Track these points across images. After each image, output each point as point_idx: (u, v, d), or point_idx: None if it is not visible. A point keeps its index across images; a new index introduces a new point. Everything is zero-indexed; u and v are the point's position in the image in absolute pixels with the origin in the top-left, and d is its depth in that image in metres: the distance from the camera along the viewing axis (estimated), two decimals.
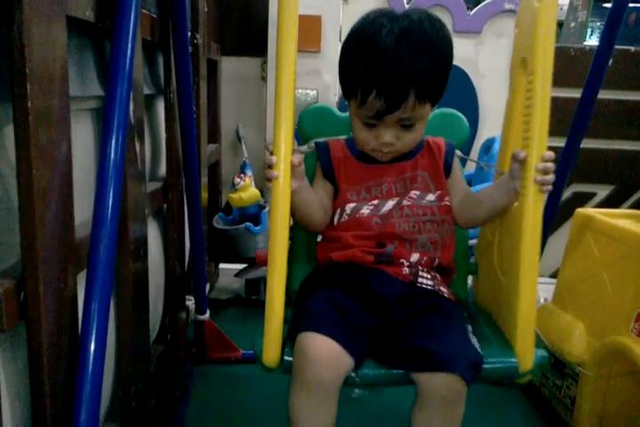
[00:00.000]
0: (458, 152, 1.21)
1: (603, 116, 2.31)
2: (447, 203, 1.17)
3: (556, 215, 1.59)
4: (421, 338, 0.96)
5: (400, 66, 1.00)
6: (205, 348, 1.75)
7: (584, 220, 1.52)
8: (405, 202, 1.13)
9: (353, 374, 0.96)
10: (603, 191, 2.49)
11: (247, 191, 2.06)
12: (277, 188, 0.96)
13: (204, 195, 1.80)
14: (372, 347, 1.00)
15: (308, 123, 1.26)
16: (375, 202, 1.14)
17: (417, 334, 0.98)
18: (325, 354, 0.92)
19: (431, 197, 1.15)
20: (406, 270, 1.10)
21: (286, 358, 0.97)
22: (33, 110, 0.63)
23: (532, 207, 1.00)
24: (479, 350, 0.98)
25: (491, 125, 2.43)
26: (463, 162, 1.26)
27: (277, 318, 0.96)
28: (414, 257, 1.12)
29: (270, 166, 0.96)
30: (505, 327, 1.08)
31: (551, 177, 0.98)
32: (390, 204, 1.14)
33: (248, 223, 2.04)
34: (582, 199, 2.46)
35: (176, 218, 1.44)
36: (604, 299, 1.40)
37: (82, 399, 0.71)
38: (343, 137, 1.21)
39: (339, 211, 1.15)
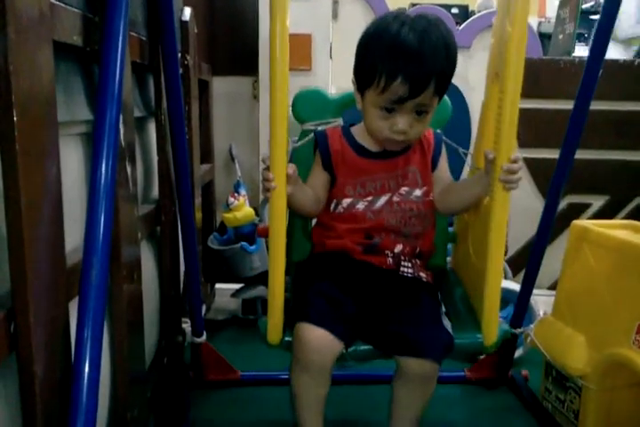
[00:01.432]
0: (445, 139, 1.32)
1: (595, 126, 2.32)
2: (431, 198, 1.28)
3: (552, 227, 1.58)
4: (401, 326, 1.12)
5: (424, 57, 1.09)
6: (203, 371, 1.73)
7: (580, 232, 1.52)
8: (395, 198, 1.24)
9: (345, 352, 1.12)
10: (597, 202, 2.48)
11: (241, 211, 2.04)
12: (275, 198, 1.05)
13: (198, 215, 1.79)
14: (361, 330, 1.15)
15: (302, 105, 1.34)
16: (369, 198, 1.24)
17: (398, 322, 1.13)
18: (319, 342, 1.07)
19: (418, 192, 1.26)
20: (390, 261, 1.24)
21: (287, 338, 1.13)
22: (20, 138, 0.62)
23: (498, 204, 1.09)
24: (450, 332, 1.14)
25: None
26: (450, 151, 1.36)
27: (278, 306, 1.10)
28: (398, 248, 1.24)
29: (268, 180, 1.04)
30: (474, 304, 1.22)
31: (515, 177, 1.06)
32: (383, 199, 1.24)
33: (243, 243, 2.02)
34: (577, 210, 2.46)
35: (169, 240, 1.43)
36: (604, 311, 1.39)
37: None
38: (339, 123, 1.32)
39: (334, 202, 1.25)
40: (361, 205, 1.24)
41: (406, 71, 1.09)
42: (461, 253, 1.37)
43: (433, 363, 1.11)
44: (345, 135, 1.27)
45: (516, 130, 1.07)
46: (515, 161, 1.07)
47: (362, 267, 1.23)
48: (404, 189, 1.26)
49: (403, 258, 1.25)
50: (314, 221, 1.36)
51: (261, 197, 2.14)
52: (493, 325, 1.14)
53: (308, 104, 1.35)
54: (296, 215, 1.35)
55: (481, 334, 1.15)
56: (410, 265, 1.25)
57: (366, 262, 1.23)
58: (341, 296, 1.16)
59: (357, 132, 1.28)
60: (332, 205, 1.26)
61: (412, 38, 1.09)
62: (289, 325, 1.13)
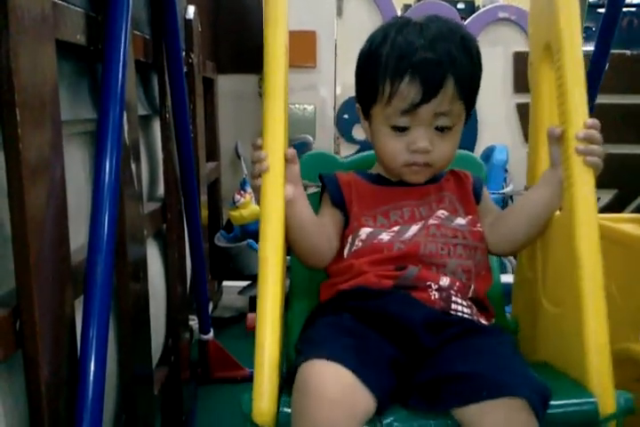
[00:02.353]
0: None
1: (601, 120, 2.31)
2: (480, 229, 0.98)
3: None
4: (465, 363, 0.75)
5: (434, 49, 0.89)
6: (210, 368, 1.73)
7: None
8: (432, 221, 0.95)
9: (378, 422, 0.71)
10: (605, 196, 2.47)
11: (248, 208, 2.05)
12: (268, 184, 0.83)
13: (204, 213, 1.79)
14: (399, 390, 0.76)
15: (307, 170, 1.06)
16: (396, 228, 0.95)
17: (458, 359, 0.76)
18: (336, 388, 0.68)
19: (461, 220, 0.97)
20: (435, 295, 0.88)
21: (283, 409, 0.74)
22: (23, 137, 0.62)
23: (580, 184, 0.83)
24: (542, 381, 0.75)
25: (489, 134, 2.42)
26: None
27: (271, 354, 0.77)
28: (444, 281, 0.90)
29: (259, 161, 0.84)
30: (569, 367, 0.86)
31: (597, 147, 0.84)
32: (415, 228, 0.95)
33: (250, 240, 2.03)
34: None
35: (176, 238, 1.43)
36: (611, 305, 1.37)
37: None
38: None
39: (350, 239, 0.96)
40: (385, 236, 0.94)
41: (414, 66, 0.88)
42: (530, 323, 1.04)
43: (527, 407, 0.69)
44: (357, 173, 1.05)
45: (585, 92, 0.86)
46: (592, 127, 0.84)
47: (391, 296, 0.87)
48: (441, 213, 0.96)
49: (454, 293, 0.90)
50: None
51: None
52: (608, 387, 0.79)
53: (315, 169, 1.11)
54: (298, 267, 1.04)
55: (594, 398, 0.78)
56: (465, 304, 0.90)
57: (399, 292, 0.88)
58: (366, 330, 0.82)
59: (372, 170, 1.07)
60: (348, 246, 0.96)
61: (417, 34, 0.91)
62: (287, 389, 0.76)
